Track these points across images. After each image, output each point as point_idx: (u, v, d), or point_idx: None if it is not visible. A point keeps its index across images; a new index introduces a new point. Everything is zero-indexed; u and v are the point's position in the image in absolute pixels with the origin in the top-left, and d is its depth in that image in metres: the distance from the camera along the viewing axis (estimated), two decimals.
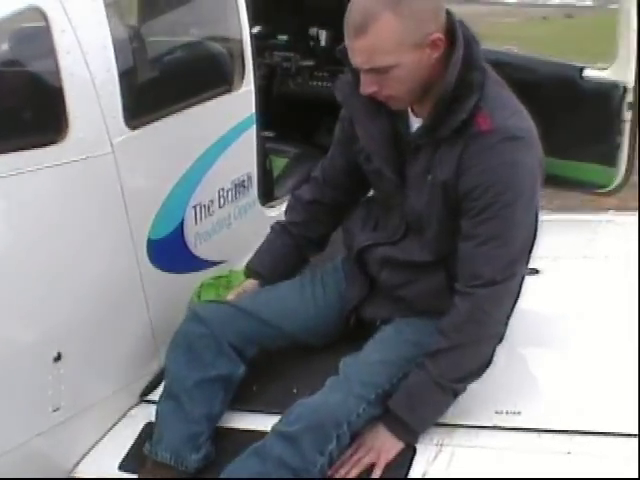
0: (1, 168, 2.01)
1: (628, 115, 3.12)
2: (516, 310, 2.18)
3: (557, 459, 2.06)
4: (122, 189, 2.28)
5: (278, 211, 3.01)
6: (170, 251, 2.51)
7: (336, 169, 2.43)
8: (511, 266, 2.10)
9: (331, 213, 2.48)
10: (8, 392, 2.10)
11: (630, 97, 3.15)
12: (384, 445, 2.12)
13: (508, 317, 2.18)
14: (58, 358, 2.19)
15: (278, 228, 2.52)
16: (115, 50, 2.23)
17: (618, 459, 2.02)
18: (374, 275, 2.35)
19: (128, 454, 2.33)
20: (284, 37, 3.72)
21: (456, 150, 2.07)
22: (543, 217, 2.19)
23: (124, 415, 2.44)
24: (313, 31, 3.67)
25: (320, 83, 3.69)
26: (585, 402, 2.19)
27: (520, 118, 2.08)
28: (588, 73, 3.25)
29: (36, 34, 2.16)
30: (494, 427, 2.18)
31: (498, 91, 2.09)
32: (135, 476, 2.25)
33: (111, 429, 2.40)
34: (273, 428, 2.11)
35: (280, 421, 2.12)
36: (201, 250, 2.64)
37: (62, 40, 2.12)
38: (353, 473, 2.11)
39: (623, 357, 2.29)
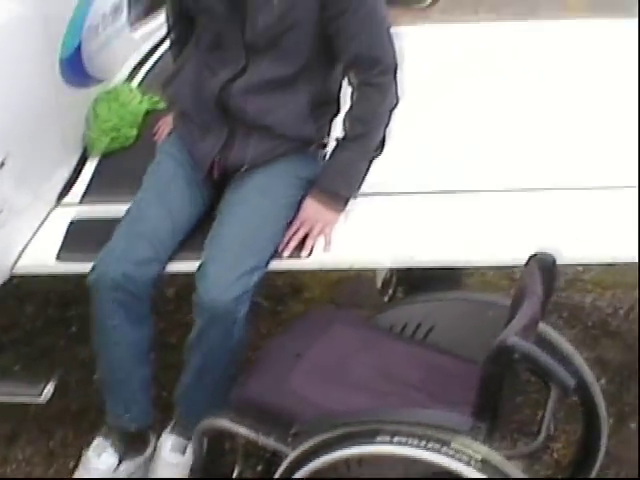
0: None
1: None
2: None
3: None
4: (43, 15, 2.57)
5: (142, 33, 3.35)
6: (74, 68, 2.80)
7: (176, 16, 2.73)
8: (394, 46, 2.45)
9: None
10: None
11: None
12: (328, 219, 2.50)
13: None
14: (2, 164, 2.46)
15: None
16: None
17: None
18: (239, 110, 2.49)
19: (61, 249, 2.62)
20: None
21: None
22: None
23: (47, 217, 2.73)
24: None
25: None
26: None
27: None
28: None
29: None
30: None
31: None
32: (72, 265, 2.58)
33: (39, 229, 2.69)
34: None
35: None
36: (92, 68, 2.94)
37: None
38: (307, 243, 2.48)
39: None
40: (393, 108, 2.50)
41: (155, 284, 2.47)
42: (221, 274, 2.34)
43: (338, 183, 2.52)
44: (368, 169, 2.53)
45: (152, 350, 2.55)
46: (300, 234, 2.49)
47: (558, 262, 2.12)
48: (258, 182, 2.52)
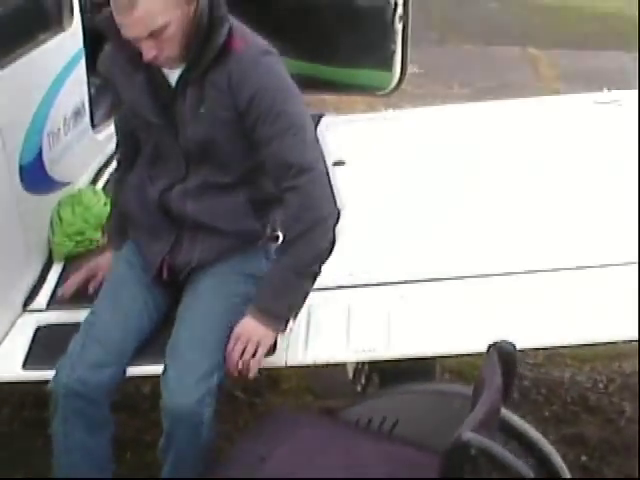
0: None
1: (399, 26, 3.65)
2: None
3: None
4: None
5: (105, 134, 3.38)
6: (35, 175, 2.82)
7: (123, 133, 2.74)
8: (312, 149, 2.42)
9: None
10: None
11: (400, 11, 3.66)
12: (263, 337, 2.40)
13: (334, 199, 2.41)
14: None
15: None
16: None
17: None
18: (181, 212, 2.53)
19: (27, 357, 2.61)
20: None
21: (223, 77, 2.38)
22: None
23: (13, 325, 2.72)
24: None
25: None
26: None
27: (265, 42, 2.46)
28: None
29: None
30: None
31: (243, 26, 2.46)
32: (38, 373, 2.56)
33: (5, 337, 2.68)
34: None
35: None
36: (55, 173, 2.97)
37: None
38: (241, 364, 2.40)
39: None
40: (329, 222, 2.41)
41: (112, 389, 2.45)
42: (181, 378, 2.34)
43: (271, 301, 2.44)
44: (306, 286, 2.45)
45: (110, 455, 2.50)
46: (235, 355, 2.40)
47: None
48: (208, 284, 2.53)
